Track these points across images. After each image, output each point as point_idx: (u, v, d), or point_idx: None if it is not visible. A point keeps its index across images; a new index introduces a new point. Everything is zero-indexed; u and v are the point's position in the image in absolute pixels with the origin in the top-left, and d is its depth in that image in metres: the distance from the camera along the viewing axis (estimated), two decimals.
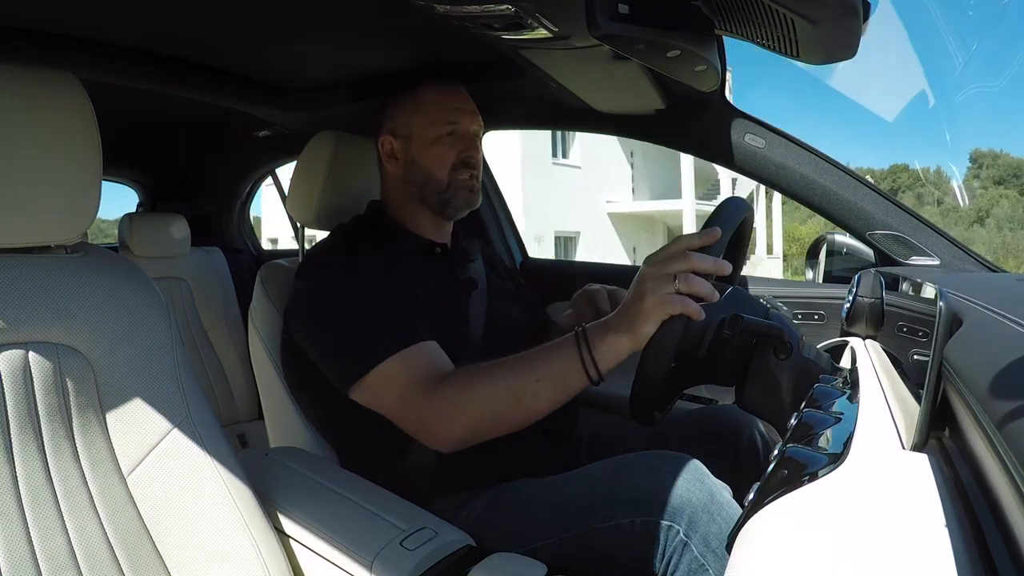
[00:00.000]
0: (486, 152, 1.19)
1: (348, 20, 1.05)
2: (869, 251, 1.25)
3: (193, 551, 0.68)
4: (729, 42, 0.96)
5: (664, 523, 0.73)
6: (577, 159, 14.64)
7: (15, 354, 0.62)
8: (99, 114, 0.67)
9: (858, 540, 0.36)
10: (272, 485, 0.80)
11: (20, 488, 0.61)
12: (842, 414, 0.57)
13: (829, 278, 1.35)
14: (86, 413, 0.66)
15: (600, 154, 15.13)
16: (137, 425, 0.68)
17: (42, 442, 0.63)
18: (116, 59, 1.16)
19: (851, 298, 0.96)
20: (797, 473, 0.46)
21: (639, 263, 0.82)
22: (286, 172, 1.57)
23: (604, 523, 0.77)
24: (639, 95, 1.19)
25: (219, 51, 1.22)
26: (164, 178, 2.41)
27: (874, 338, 0.93)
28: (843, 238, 1.32)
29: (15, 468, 0.61)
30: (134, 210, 2.46)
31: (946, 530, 0.35)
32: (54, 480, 0.63)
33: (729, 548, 0.43)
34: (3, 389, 0.61)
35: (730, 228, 0.76)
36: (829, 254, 1.36)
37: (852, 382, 0.69)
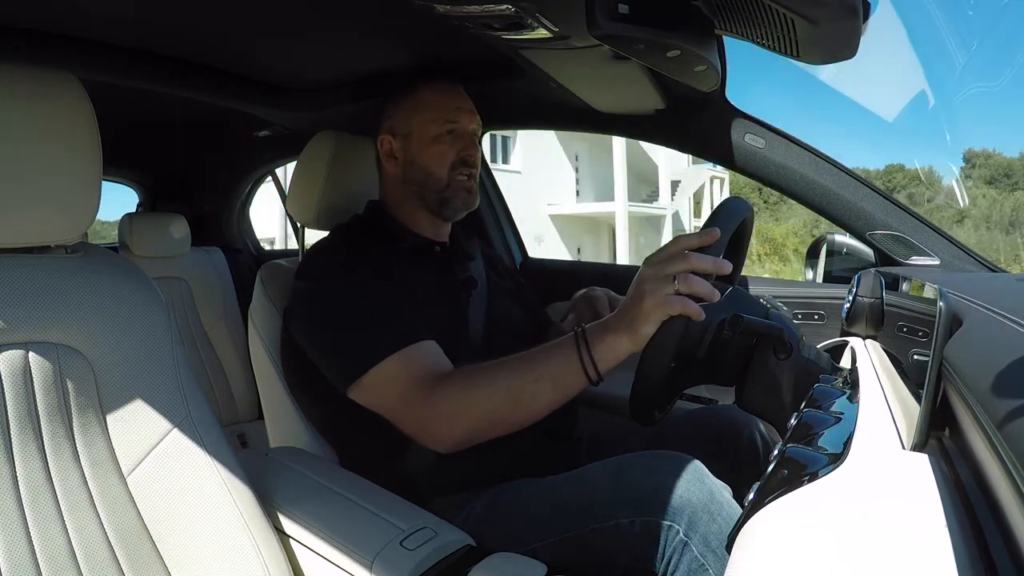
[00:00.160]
0: None
1: (348, 20, 1.05)
2: (869, 251, 1.25)
3: (193, 551, 0.68)
4: (729, 42, 0.96)
5: (664, 523, 0.73)
6: (518, 164, 14.96)
7: (15, 354, 0.62)
8: (99, 114, 0.67)
9: (858, 540, 0.36)
10: (272, 485, 0.80)
11: (20, 488, 0.61)
12: (842, 414, 0.57)
13: (829, 278, 1.35)
14: (86, 413, 0.66)
15: (543, 159, 15.51)
16: (137, 425, 0.68)
17: (42, 442, 0.63)
18: (116, 59, 1.16)
19: (851, 298, 0.96)
20: (797, 473, 0.46)
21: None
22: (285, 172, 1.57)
23: (604, 523, 0.77)
24: (639, 95, 1.19)
25: (219, 51, 1.22)
26: (164, 178, 2.41)
27: (874, 338, 0.93)
28: (843, 238, 1.32)
29: (15, 468, 0.61)
30: (134, 210, 2.46)
31: (946, 530, 0.35)
32: (54, 480, 0.63)
33: (729, 548, 0.43)
34: (3, 389, 0.61)
35: (730, 228, 0.76)
36: (829, 254, 1.36)
37: (852, 382, 0.69)
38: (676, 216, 18.85)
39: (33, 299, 0.63)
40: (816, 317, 1.31)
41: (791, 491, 0.43)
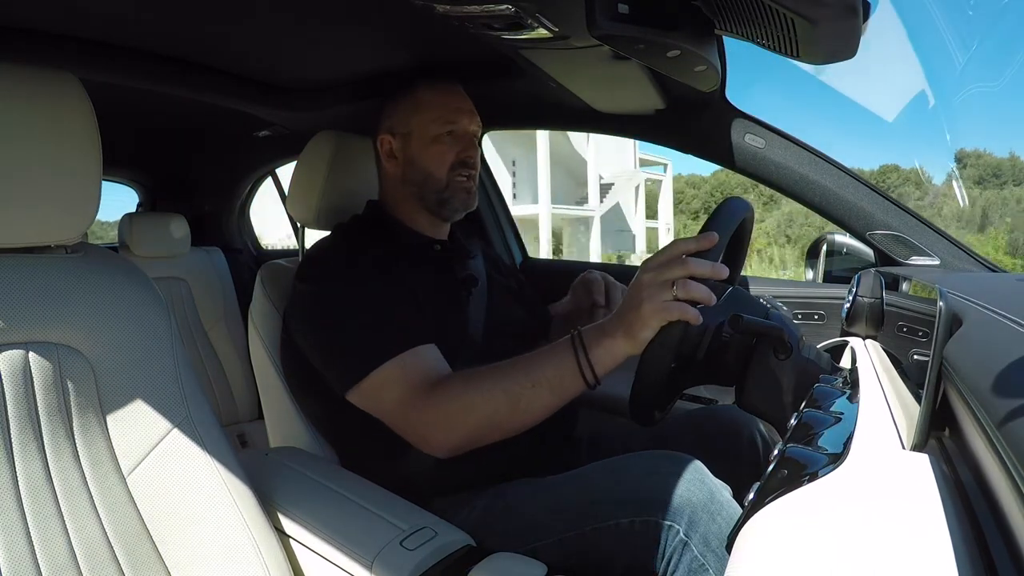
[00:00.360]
0: None
1: (348, 20, 1.05)
2: (869, 251, 1.25)
3: (193, 551, 0.68)
4: (729, 42, 0.96)
5: (664, 523, 0.73)
6: None
7: (15, 354, 0.62)
8: (99, 114, 0.67)
9: (858, 540, 0.36)
10: (272, 485, 0.80)
11: (20, 488, 0.61)
12: (842, 414, 0.57)
13: (829, 278, 1.35)
14: (86, 413, 0.66)
15: None
16: (137, 425, 0.68)
17: (42, 442, 0.63)
18: (116, 59, 1.16)
19: (851, 298, 0.96)
20: (797, 473, 0.46)
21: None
22: (286, 172, 1.57)
23: (604, 523, 0.77)
24: (639, 95, 1.19)
25: (219, 51, 1.22)
26: (164, 178, 2.41)
27: (874, 338, 0.93)
28: (843, 238, 1.32)
29: (15, 468, 0.61)
30: (134, 210, 2.46)
31: (946, 530, 0.35)
32: (54, 480, 0.63)
33: (729, 548, 0.43)
34: (3, 389, 0.61)
35: (728, 230, 0.76)
36: (829, 254, 1.36)
37: (852, 382, 0.69)
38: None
39: (33, 299, 0.63)
40: (816, 317, 1.31)
41: (791, 491, 0.43)
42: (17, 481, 0.61)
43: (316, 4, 0.98)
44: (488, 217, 1.75)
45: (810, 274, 1.43)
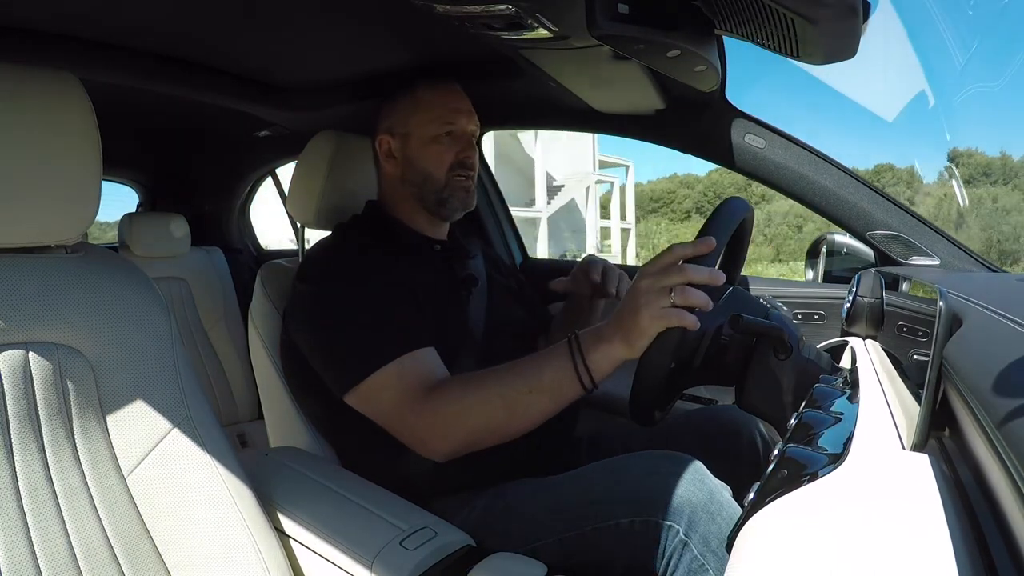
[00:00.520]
0: None
1: (348, 20, 1.05)
2: (869, 251, 1.25)
3: (193, 551, 0.68)
4: (729, 42, 0.96)
5: (664, 523, 0.73)
6: None
7: (15, 354, 0.62)
8: (99, 114, 0.67)
9: (858, 540, 0.36)
10: (272, 485, 0.80)
11: (20, 488, 0.61)
12: (842, 414, 0.57)
13: (829, 278, 1.35)
14: (86, 413, 0.66)
15: None
16: (137, 425, 0.68)
17: (42, 442, 0.63)
18: (116, 59, 1.16)
19: (851, 298, 0.96)
20: (797, 473, 0.46)
21: None
22: (286, 172, 1.57)
23: (604, 523, 0.77)
24: (639, 95, 1.19)
25: (219, 51, 1.22)
26: (164, 178, 2.41)
27: (874, 338, 0.93)
28: (843, 238, 1.32)
29: (15, 468, 0.61)
30: (134, 210, 2.46)
31: (946, 530, 0.35)
32: (54, 480, 0.63)
33: (729, 548, 0.43)
34: (3, 389, 0.61)
35: (726, 233, 0.76)
36: (829, 254, 1.36)
37: (852, 382, 0.69)
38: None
39: (33, 299, 0.63)
40: (816, 317, 1.31)
41: (791, 491, 0.43)
42: (17, 481, 0.61)
43: (316, 4, 0.98)
44: (488, 217, 1.75)
45: (810, 274, 1.43)
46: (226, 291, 2.13)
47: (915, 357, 0.66)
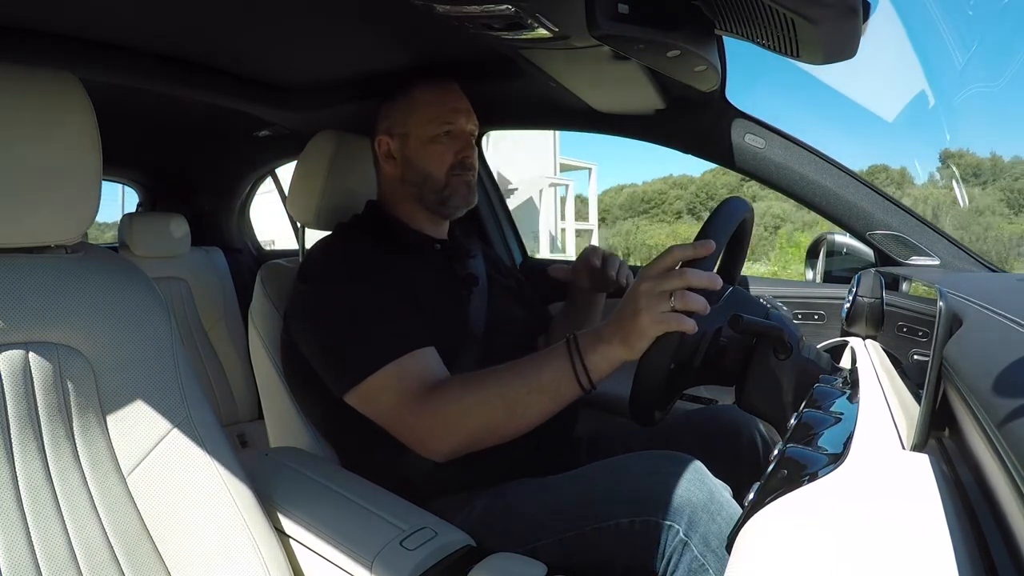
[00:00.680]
0: None
1: (348, 20, 1.05)
2: (869, 251, 1.25)
3: (193, 551, 0.68)
4: (729, 42, 0.96)
5: (664, 523, 0.73)
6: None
7: (15, 354, 0.62)
8: (99, 114, 0.67)
9: (858, 540, 0.36)
10: (272, 485, 0.80)
11: (20, 488, 0.61)
12: (842, 414, 0.57)
13: (829, 278, 1.35)
14: (86, 413, 0.66)
15: None
16: (137, 425, 0.68)
17: (42, 442, 0.63)
18: (116, 59, 1.16)
19: (851, 298, 0.96)
20: (797, 473, 0.46)
21: None
22: (286, 172, 1.57)
23: (604, 523, 0.77)
24: (639, 95, 1.19)
25: (219, 51, 1.22)
26: (164, 178, 2.41)
27: (874, 338, 0.93)
28: (843, 238, 1.32)
29: (15, 468, 0.61)
30: (134, 210, 2.46)
31: (946, 530, 0.35)
32: (54, 480, 0.63)
33: (729, 548, 0.43)
34: (3, 389, 0.61)
35: (725, 234, 0.76)
36: (829, 254, 1.36)
37: (852, 382, 0.69)
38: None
39: (33, 299, 0.63)
40: (816, 317, 1.31)
41: (791, 491, 0.43)
42: (17, 481, 0.61)
43: (316, 4, 0.98)
44: (488, 217, 1.75)
45: (810, 274, 1.43)
46: (226, 291, 2.13)
47: (915, 357, 0.66)
